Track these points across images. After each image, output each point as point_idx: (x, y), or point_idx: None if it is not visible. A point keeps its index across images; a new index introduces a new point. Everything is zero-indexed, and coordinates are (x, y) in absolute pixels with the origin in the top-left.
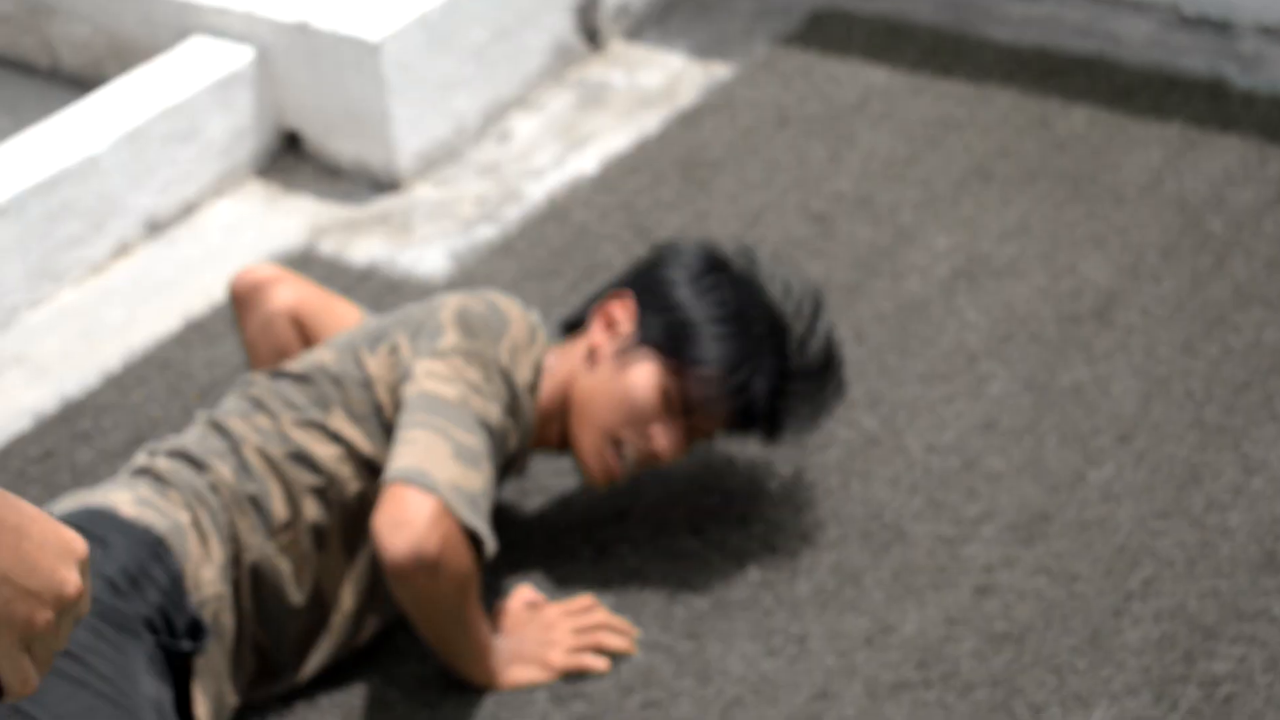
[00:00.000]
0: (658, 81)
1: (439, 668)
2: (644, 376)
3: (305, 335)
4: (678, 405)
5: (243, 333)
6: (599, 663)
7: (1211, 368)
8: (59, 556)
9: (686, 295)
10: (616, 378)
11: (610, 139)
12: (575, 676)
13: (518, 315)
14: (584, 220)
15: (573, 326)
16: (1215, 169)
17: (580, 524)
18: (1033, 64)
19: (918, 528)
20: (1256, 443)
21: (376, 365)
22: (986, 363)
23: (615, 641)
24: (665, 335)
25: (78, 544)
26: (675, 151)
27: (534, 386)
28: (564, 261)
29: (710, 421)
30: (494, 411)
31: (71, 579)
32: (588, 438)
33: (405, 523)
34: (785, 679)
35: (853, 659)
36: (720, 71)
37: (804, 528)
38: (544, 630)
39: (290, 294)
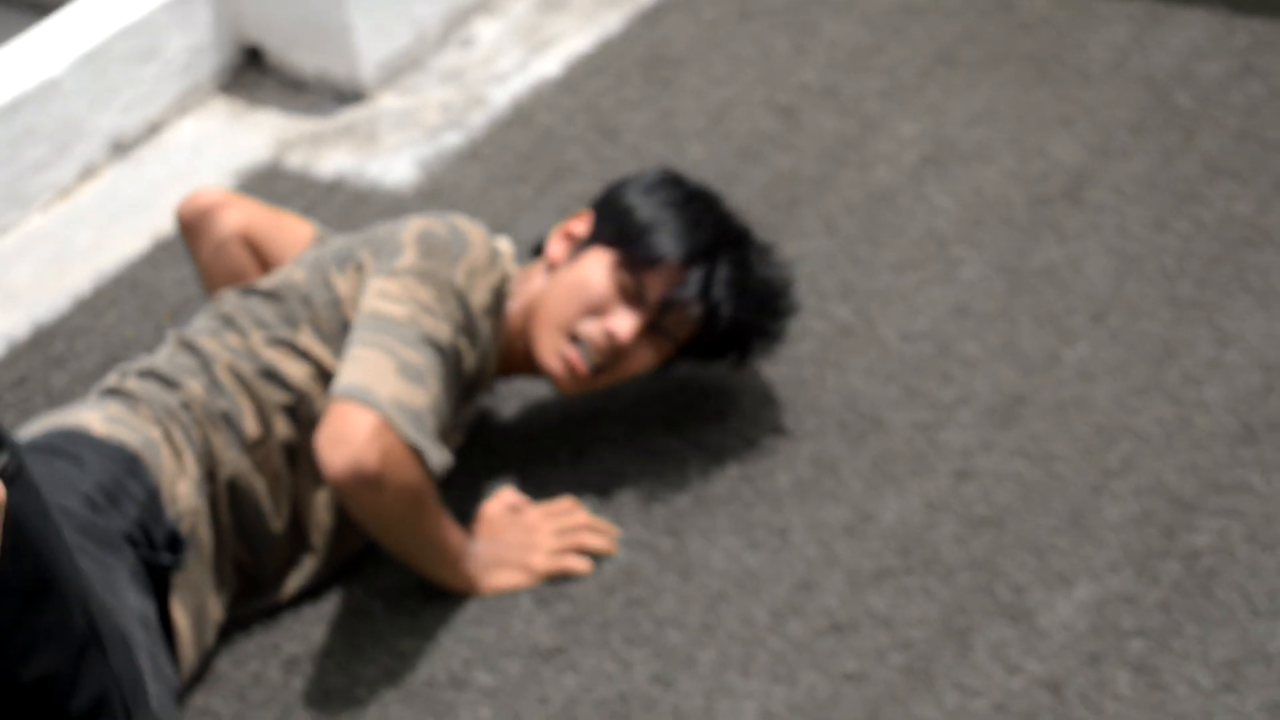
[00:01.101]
0: None
1: (421, 577)
2: (592, 263)
3: (259, 256)
4: (633, 293)
5: (195, 259)
6: (581, 564)
7: (1183, 243)
8: None
9: (640, 199)
10: (567, 273)
11: (573, 40)
12: (558, 578)
13: (479, 239)
14: (549, 123)
15: (539, 251)
16: (1181, 43)
17: (558, 426)
18: None
19: (894, 416)
20: (1230, 316)
21: (345, 284)
22: (957, 248)
23: (597, 542)
24: (618, 232)
25: None
26: (638, 50)
27: (492, 310)
28: (531, 166)
29: (675, 323)
30: (444, 330)
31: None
32: (546, 338)
33: (344, 438)
34: (767, 571)
35: (834, 549)
36: None
37: (781, 420)
38: (525, 534)
39: (239, 216)
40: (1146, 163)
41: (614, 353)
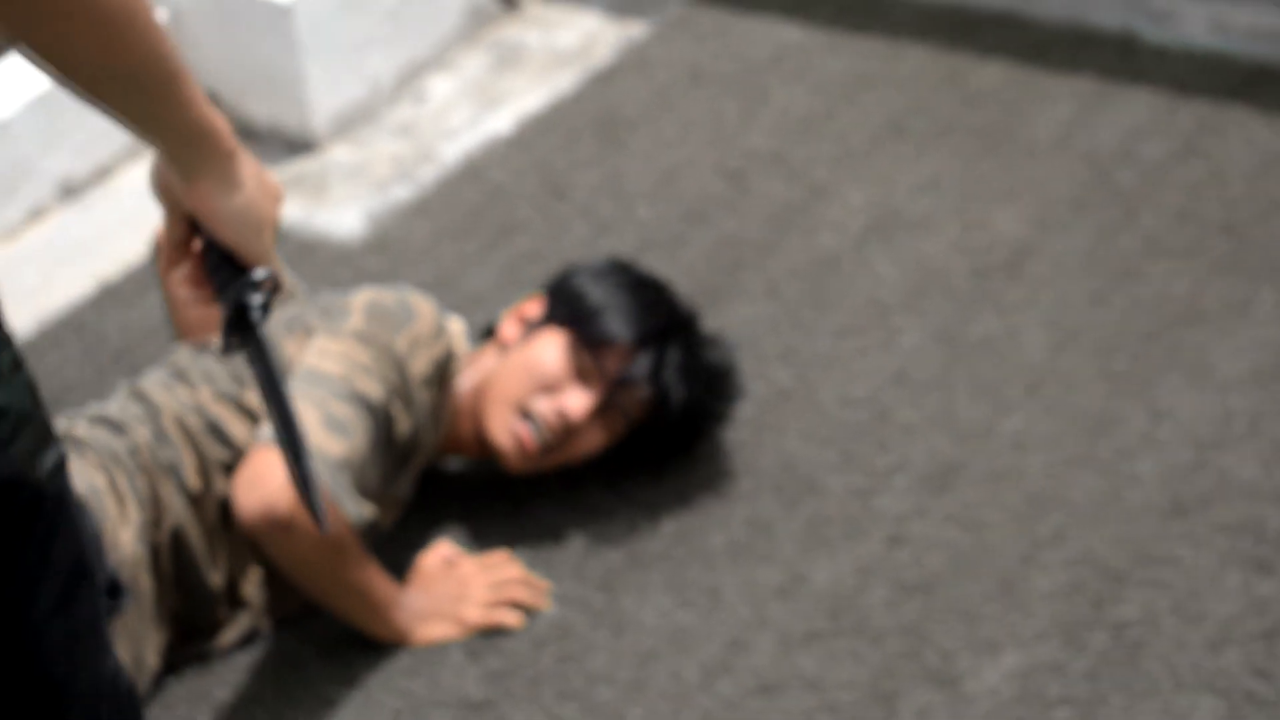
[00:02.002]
0: (572, 41)
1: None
2: (547, 343)
3: None
4: (586, 373)
5: (165, 285)
6: (513, 618)
7: (1120, 318)
8: (266, 171)
9: (592, 283)
10: (521, 352)
11: (525, 99)
12: (490, 632)
13: (427, 312)
14: (500, 180)
15: (490, 333)
16: (1125, 123)
17: (496, 480)
18: (945, 21)
19: (830, 479)
20: (1164, 391)
21: (293, 347)
22: (899, 316)
23: (529, 596)
24: (571, 313)
25: None
26: (590, 111)
27: (432, 381)
28: (480, 221)
29: (627, 403)
30: (377, 391)
31: (278, 184)
32: (497, 415)
33: (258, 481)
34: (699, 630)
35: (765, 609)
36: (635, 31)
37: (717, 481)
38: (459, 586)
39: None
40: (1087, 238)
41: (565, 431)
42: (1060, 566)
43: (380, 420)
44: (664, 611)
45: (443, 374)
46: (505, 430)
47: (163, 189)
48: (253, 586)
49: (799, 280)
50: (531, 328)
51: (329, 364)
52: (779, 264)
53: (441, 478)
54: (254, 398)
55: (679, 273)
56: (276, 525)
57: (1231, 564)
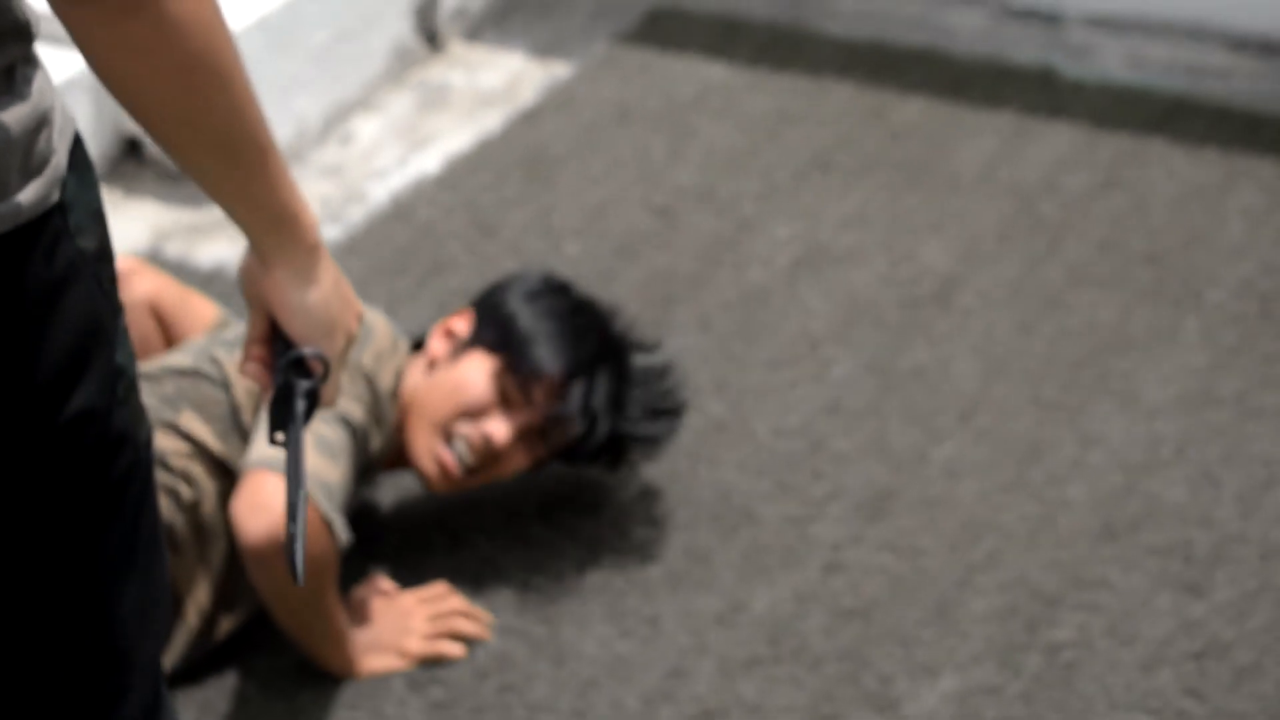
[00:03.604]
0: (498, 81)
1: (295, 659)
2: (474, 367)
3: (164, 327)
4: (512, 399)
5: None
6: (455, 649)
7: (1048, 347)
8: (348, 284)
9: (522, 306)
10: (446, 374)
11: (452, 139)
12: (432, 663)
13: (381, 325)
14: (428, 218)
15: (420, 345)
16: (1047, 156)
17: (434, 513)
18: (867, 57)
19: (766, 508)
20: (1093, 418)
21: (236, 368)
22: (829, 347)
23: (470, 627)
24: (500, 338)
25: None
26: (517, 150)
27: (394, 394)
28: (409, 259)
29: (555, 436)
30: (356, 411)
31: (359, 302)
32: (420, 437)
33: (264, 506)
34: (639, 659)
35: (705, 637)
36: (560, 70)
37: (654, 512)
38: (400, 618)
39: (148, 285)
40: (1013, 269)
41: (489, 455)
42: (995, 590)
43: (360, 440)
44: (604, 641)
45: (399, 385)
46: (428, 453)
47: (247, 281)
48: (193, 607)
49: (730, 313)
50: (460, 347)
51: None
52: (709, 298)
53: (376, 511)
54: (188, 420)
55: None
56: (280, 551)
57: (1162, 586)
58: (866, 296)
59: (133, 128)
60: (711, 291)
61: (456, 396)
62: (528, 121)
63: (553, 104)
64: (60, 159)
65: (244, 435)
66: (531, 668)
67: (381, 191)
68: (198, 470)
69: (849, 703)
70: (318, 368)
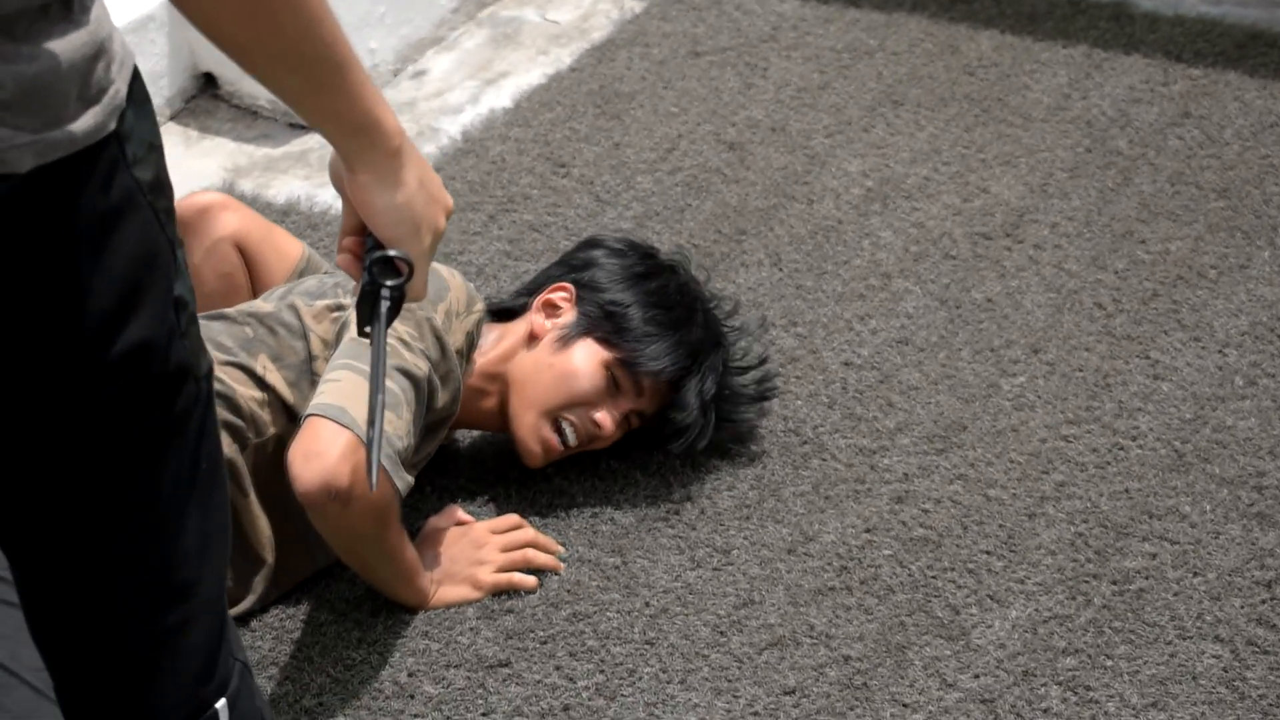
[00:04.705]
0: (570, 17)
1: (369, 589)
2: (587, 359)
3: (248, 262)
4: (625, 389)
5: (189, 256)
6: (527, 580)
7: (1119, 280)
8: (439, 180)
9: (625, 292)
10: (558, 358)
11: (524, 75)
12: (504, 593)
13: (458, 284)
14: (500, 154)
15: (503, 313)
16: (1120, 89)
17: (506, 445)
18: None
19: (836, 440)
20: (1164, 350)
21: (313, 318)
22: (900, 281)
23: (542, 558)
24: (611, 333)
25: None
26: (589, 85)
27: (465, 354)
28: (481, 195)
29: (649, 407)
30: (421, 365)
31: (449, 196)
32: (528, 418)
33: (318, 454)
34: (710, 589)
35: (775, 567)
36: (632, 6)
37: (725, 444)
38: (473, 549)
39: (235, 220)
40: (1084, 202)
41: (591, 439)
42: (1064, 520)
43: (423, 394)
44: (675, 571)
45: (472, 347)
46: (535, 436)
47: (334, 177)
48: (263, 545)
49: (801, 247)
50: (570, 334)
51: None
52: (781, 232)
53: (451, 445)
54: (264, 366)
55: (682, 242)
56: (334, 496)
57: (1232, 516)
58: (937, 230)
59: (208, 64)
60: (782, 226)
61: (569, 387)
62: (599, 56)
63: (625, 39)
64: (120, 89)
65: (315, 384)
66: (603, 597)
67: (454, 127)
68: (266, 416)
69: (919, 631)
70: (403, 268)
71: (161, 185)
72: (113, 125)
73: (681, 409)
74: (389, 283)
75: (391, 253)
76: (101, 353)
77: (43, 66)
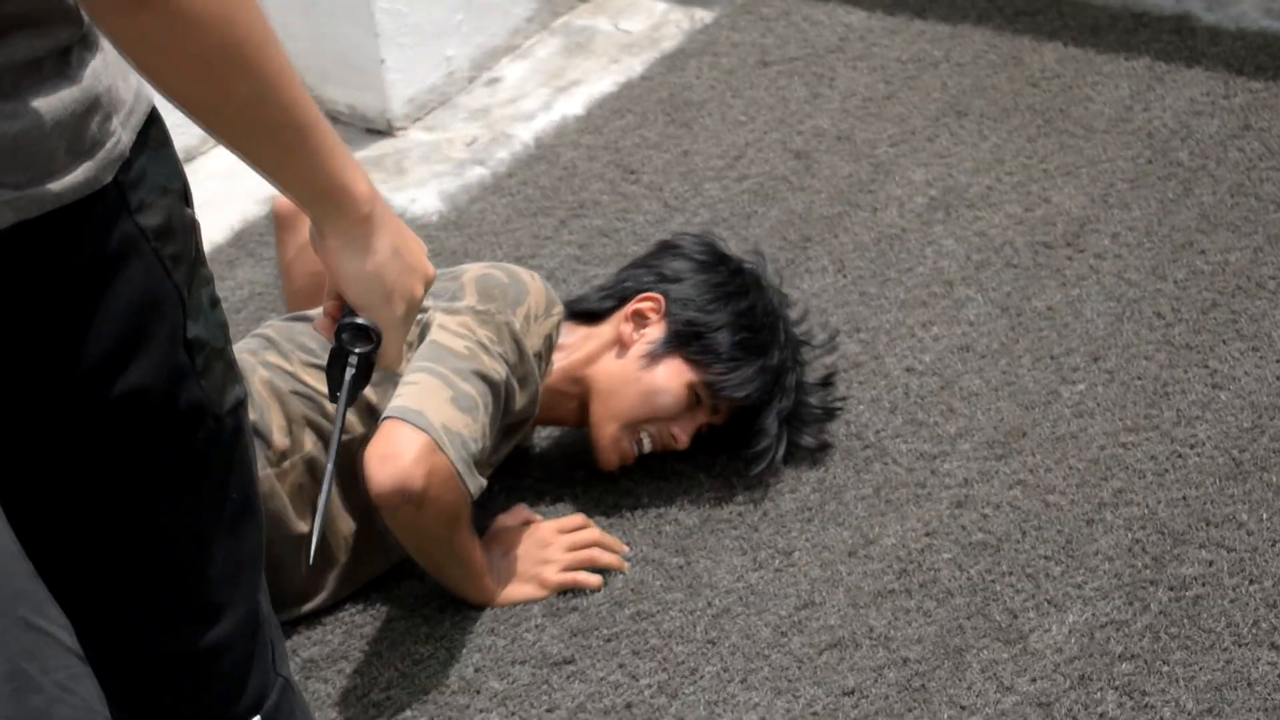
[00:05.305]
0: (642, 27)
1: (437, 587)
2: (672, 377)
3: None
4: (704, 405)
5: (281, 253)
6: (592, 579)
7: (1179, 290)
8: (419, 245)
9: (715, 313)
10: (645, 373)
11: (596, 83)
12: (569, 591)
13: (537, 288)
14: (571, 160)
15: (587, 314)
16: (1182, 102)
17: (574, 449)
18: (1005, 4)
19: (898, 445)
20: (1223, 360)
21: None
22: (963, 288)
23: (607, 558)
24: (699, 356)
25: (423, 245)
26: (659, 93)
27: (544, 356)
28: (553, 199)
29: (723, 421)
30: (500, 369)
31: (430, 265)
32: (610, 427)
33: (393, 456)
34: (772, 590)
35: (836, 569)
36: (702, 16)
37: (788, 447)
38: (539, 548)
39: None
40: (1145, 213)
41: (664, 449)
42: (1122, 527)
43: (500, 398)
44: (737, 572)
45: (550, 349)
46: (613, 443)
47: (311, 238)
48: (339, 541)
49: (865, 254)
50: (656, 353)
51: (452, 340)
52: (845, 239)
53: (527, 445)
54: None
55: (749, 249)
56: (408, 498)
57: None
58: (1000, 239)
59: None
60: (847, 233)
61: (654, 403)
62: (670, 66)
63: (695, 49)
64: (122, 138)
65: (398, 384)
66: (666, 597)
67: (527, 134)
68: (350, 416)
69: (977, 635)
70: (373, 335)
71: (171, 230)
72: (109, 177)
73: (762, 434)
74: (357, 349)
75: (359, 320)
76: (98, 397)
77: (26, 124)
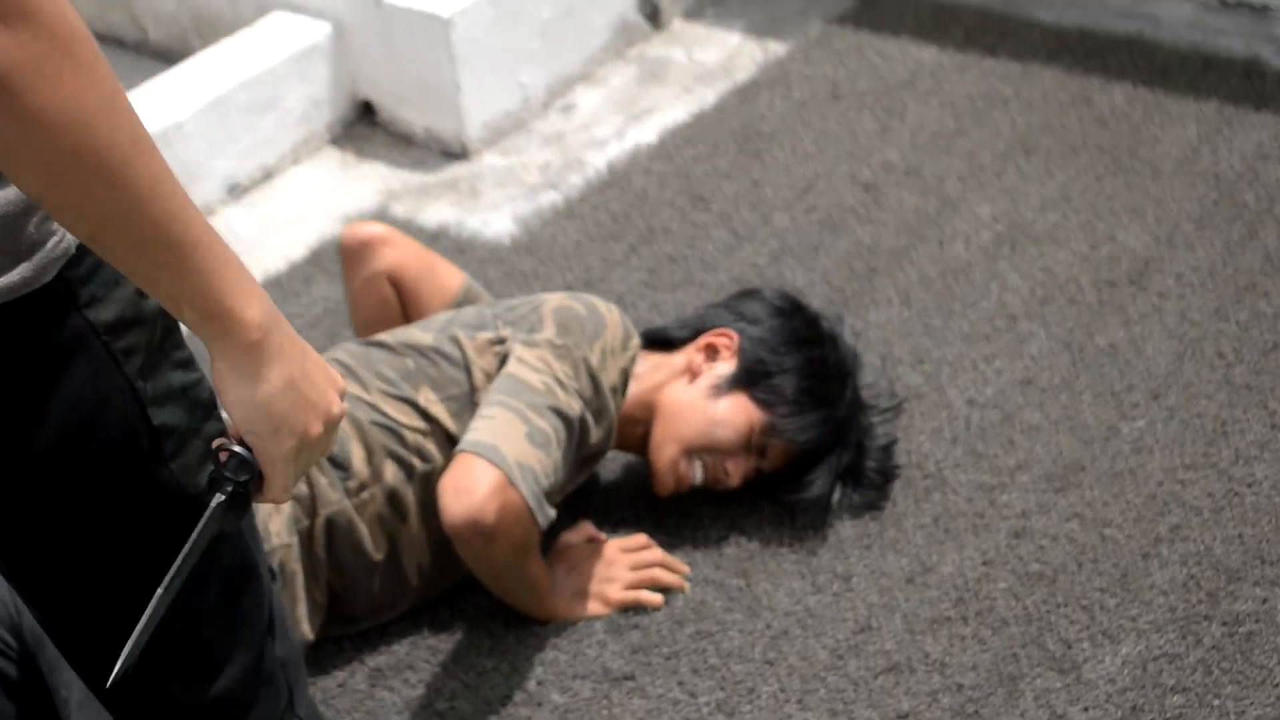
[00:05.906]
0: (716, 58)
1: (500, 600)
2: (737, 412)
3: (403, 295)
4: (760, 447)
5: (347, 285)
6: (654, 598)
7: (1241, 331)
8: (328, 381)
9: (786, 358)
10: (710, 405)
11: (669, 112)
12: (631, 609)
13: (615, 321)
14: (643, 187)
15: (661, 343)
16: (1249, 145)
17: (640, 475)
18: (1076, 44)
19: (958, 476)
20: None
21: (475, 350)
22: (1026, 323)
23: (669, 578)
24: (767, 395)
25: (339, 377)
26: (731, 124)
27: (620, 389)
28: (624, 226)
29: (777, 467)
30: (575, 405)
31: (338, 402)
32: (669, 450)
33: (467, 490)
34: (830, 614)
35: (894, 596)
36: (776, 49)
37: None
38: (603, 567)
39: (394, 255)
40: (1210, 254)
41: (715, 482)
42: (1178, 562)
43: (575, 434)
44: (797, 595)
45: (626, 382)
46: (671, 466)
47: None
48: (414, 569)
49: (930, 287)
50: (723, 386)
51: (529, 374)
52: (911, 272)
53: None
54: (426, 398)
55: (816, 279)
56: (480, 532)
57: None
58: (1065, 275)
59: (367, 92)
60: (913, 266)
61: (714, 433)
62: (742, 97)
63: (767, 81)
64: (64, 239)
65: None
66: (726, 617)
67: (599, 160)
68: (431, 446)
69: (1031, 664)
70: (249, 471)
71: (123, 324)
72: (49, 277)
73: (814, 483)
74: (236, 477)
75: (234, 448)
76: (51, 487)
77: None
